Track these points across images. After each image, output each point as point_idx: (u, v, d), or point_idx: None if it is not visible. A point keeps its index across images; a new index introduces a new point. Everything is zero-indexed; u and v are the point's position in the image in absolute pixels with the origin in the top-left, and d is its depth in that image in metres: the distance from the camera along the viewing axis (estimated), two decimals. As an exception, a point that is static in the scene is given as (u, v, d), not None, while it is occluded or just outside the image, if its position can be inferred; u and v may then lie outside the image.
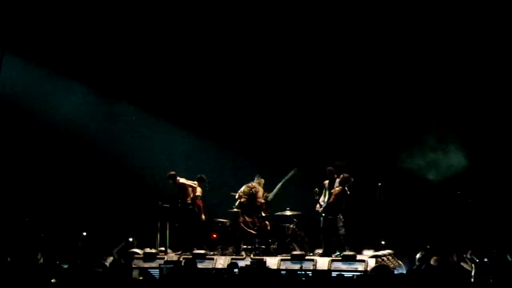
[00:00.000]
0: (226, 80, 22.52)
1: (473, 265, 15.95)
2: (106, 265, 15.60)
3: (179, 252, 19.11)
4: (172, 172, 19.62)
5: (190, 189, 19.46)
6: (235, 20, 21.77)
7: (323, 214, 18.55)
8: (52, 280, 13.26)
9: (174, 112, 22.87)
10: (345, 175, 18.59)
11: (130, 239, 20.28)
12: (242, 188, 19.39)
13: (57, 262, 16.26)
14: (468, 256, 17.02)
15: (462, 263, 16.43)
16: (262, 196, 19.33)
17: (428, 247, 18.52)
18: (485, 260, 16.49)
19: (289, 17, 21.39)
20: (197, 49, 22.35)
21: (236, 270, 14.90)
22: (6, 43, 21.80)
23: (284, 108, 22.14)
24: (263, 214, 19.29)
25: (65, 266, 15.26)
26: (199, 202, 19.54)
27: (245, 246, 19.01)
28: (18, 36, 22.08)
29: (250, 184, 19.35)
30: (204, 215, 19.58)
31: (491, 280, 15.45)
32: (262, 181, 19.66)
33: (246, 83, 22.33)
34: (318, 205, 18.71)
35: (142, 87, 22.93)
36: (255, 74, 22.23)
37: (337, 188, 18.55)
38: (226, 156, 22.94)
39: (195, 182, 19.56)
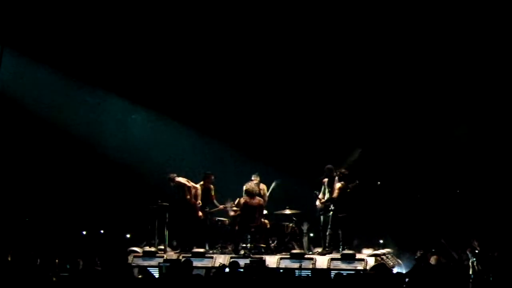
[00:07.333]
0: (227, 77, 22.48)
1: (471, 262, 16.01)
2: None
3: (178, 251, 19.14)
4: (171, 175, 19.64)
5: (186, 187, 19.47)
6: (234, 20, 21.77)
7: (330, 212, 18.55)
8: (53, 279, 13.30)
9: (176, 109, 22.85)
10: (344, 170, 18.63)
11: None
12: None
13: (56, 261, 16.32)
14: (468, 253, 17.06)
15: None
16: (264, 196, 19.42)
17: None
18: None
19: (289, 18, 21.39)
20: (200, 48, 22.19)
21: (227, 270, 14.91)
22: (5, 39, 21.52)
23: (282, 106, 22.16)
24: (264, 213, 19.32)
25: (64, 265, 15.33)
26: (194, 201, 19.52)
27: (244, 245, 19.01)
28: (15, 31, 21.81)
29: (248, 184, 19.32)
30: (202, 212, 19.61)
31: (491, 278, 15.50)
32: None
33: (249, 82, 22.31)
34: (318, 202, 18.69)
35: (142, 84, 22.81)
36: (258, 73, 22.20)
37: (339, 184, 18.56)
38: (228, 155, 22.92)
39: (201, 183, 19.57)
